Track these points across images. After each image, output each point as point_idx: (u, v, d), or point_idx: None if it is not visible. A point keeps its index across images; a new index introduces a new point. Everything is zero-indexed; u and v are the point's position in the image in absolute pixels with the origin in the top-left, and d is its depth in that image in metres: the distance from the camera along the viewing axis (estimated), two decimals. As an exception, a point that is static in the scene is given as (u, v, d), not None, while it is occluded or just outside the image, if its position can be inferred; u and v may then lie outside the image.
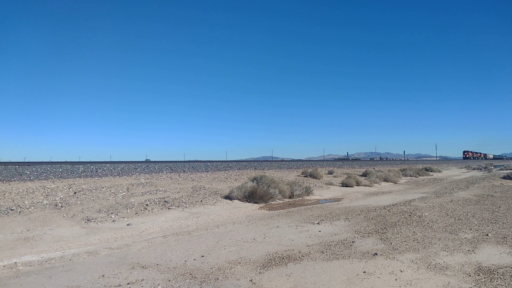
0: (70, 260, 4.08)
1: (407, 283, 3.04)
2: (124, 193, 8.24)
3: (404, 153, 50.61)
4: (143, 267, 3.68)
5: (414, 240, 4.48)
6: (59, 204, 6.79)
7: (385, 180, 16.74)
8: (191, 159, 46.75)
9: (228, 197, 9.04)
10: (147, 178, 10.70)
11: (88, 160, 34.47)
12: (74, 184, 8.84)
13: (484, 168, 32.43)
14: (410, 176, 21.17)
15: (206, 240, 4.90)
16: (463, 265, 3.48)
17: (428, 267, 3.44)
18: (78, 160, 36.62)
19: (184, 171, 13.83)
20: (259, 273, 3.42)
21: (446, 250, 4.02)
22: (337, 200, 10.20)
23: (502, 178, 15.57)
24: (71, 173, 11.35)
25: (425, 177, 21.90)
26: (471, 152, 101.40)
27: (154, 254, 4.22)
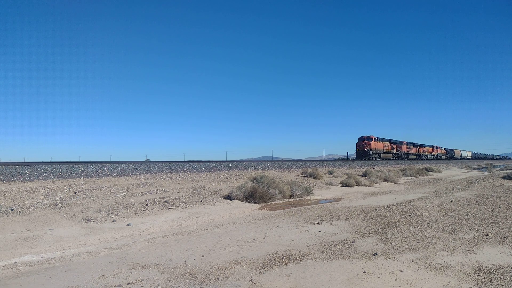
0: (70, 260, 4.09)
1: (407, 283, 3.04)
2: (124, 193, 8.24)
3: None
4: (143, 267, 3.68)
5: (414, 240, 4.48)
6: (59, 204, 6.79)
7: (385, 180, 16.75)
8: (191, 159, 46.63)
9: (228, 197, 9.03)
10: (147, 178, 10.70)
11: (88, 160, 34.42)
12: (74, 184, 8.84)
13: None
14: (410, 176, 21.17)
15: (206, 240, 4.90)
16: (463, 265, 3.48)
17: (428, 267, 3.44)
18: (78, 160, 36.57)
19: (184, 171, 13.82)
20: (259, 273, 3.42)
21: (446, 250, 4.02)
22: (337, 200, 10.20)
23: (502, 178, 15.57)
24: (71, 173, 11.34)
25: (425, 177, 21.90)
26: (384, 140, 42.72)
27: (154, 254, 4.22)
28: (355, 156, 41.80)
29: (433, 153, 61.19)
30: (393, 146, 45.46)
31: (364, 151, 38.57)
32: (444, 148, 70.24)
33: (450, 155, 71.19)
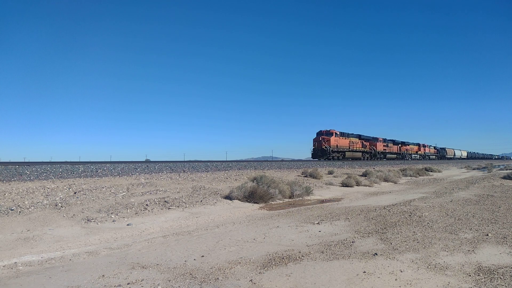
0: (70, 260, 4.09)
1: (407, 283, 3.04)
2: (124, 193, 8.24)
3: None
4: (143, 267, 3.68)
5: (414, 240, 4.48)
6: (59, 204, 6.79)
7: (385, 180, 16.74)
8: (191, 159, 46.55)
9: (228, 197, 9.03)
10: (147, 178, 10.69)
11: (88, 160, 34.38)
12: (74, 184, 8.83)
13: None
14: (410, 176, 21.18)
15: (206, 240, 4.90)
16: (463, 265, 3.48)
17: (428, 267, 3.44)
18: (78, 160, 36.52)
19: (184, 171, 13.81)
20: (259, 273, 3.42)
21: (446, 250, 4.02)
22: (337, 200, 10.20)
23: (502, 178, 15.57)
24: (71, 173, 11.33)
25: (425, 177, 21.90)
26: (351, 136, 36.13)
27: (154, 254, 4.22)
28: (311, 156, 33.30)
29: (419, 152, 54.45)
30: (364, 143, 38.27)
31: (321, 149, 31.19)
32: (434, 147, 63.92)
33: (441, 155, 64.87)
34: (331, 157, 31.09)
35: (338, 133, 33.11)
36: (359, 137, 38.15)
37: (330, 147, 31.15)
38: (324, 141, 31.36)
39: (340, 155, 33.18)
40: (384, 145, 42.90)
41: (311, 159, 33.11)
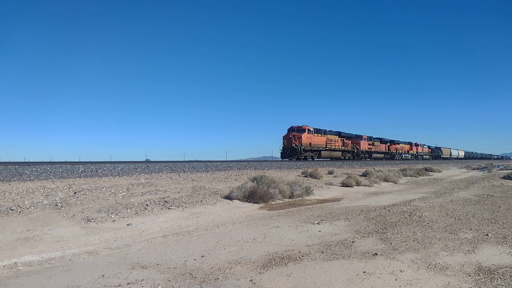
0: (70, 260, 4.09)
1: (407, 283, 3.04)
2: (124, 193, 8.23)
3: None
4: (143, 267, 3.68)
5: (414, 240, 4.48)
6: (59, 204, 6.79)
7: (385, 180, 16.75)
8: (191, 159, 46.47)
9: (228, 197, 9.03)
10: (147, 178, 10.69)
11: (88, 160, 34.29)
12: (74, 184, 8.83)
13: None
14: (410, 176, 21.18)
15: (206, 240, 4.90)
16: (463, 265, 3.48)
17: (428, 267, 3.44)
18: (78, 160, 36.46)
19: (184, 171, 13.81)
20: (259, 273, 3.42)
21: (446, 250, 4.02)
22: (337, 200, 10.19)
23: (502, 178, 15.57)
24: (71, 173, 11.32)
25: (425, 177, 21.91)
26: (328, 133, 31.93)
27: (154, 254, 4.22)
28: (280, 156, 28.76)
29: (410, 152, 51.03)
30: (345, 141, 34.42)
31: (291, 148, 27.13)
32: (428, 146, 60.84)
33: (436, 154, 61.67)
34: (302, 157, 27.39)
35: (312, 129, 29.07)
36: (339, 134, 34.42)
37: (301, 145, 27.04)
38: (294, 139, 27.29)
39: (315, 155, 29.45)
40: (369, 144, 38.95)
41: (280, 159, 29.03)
